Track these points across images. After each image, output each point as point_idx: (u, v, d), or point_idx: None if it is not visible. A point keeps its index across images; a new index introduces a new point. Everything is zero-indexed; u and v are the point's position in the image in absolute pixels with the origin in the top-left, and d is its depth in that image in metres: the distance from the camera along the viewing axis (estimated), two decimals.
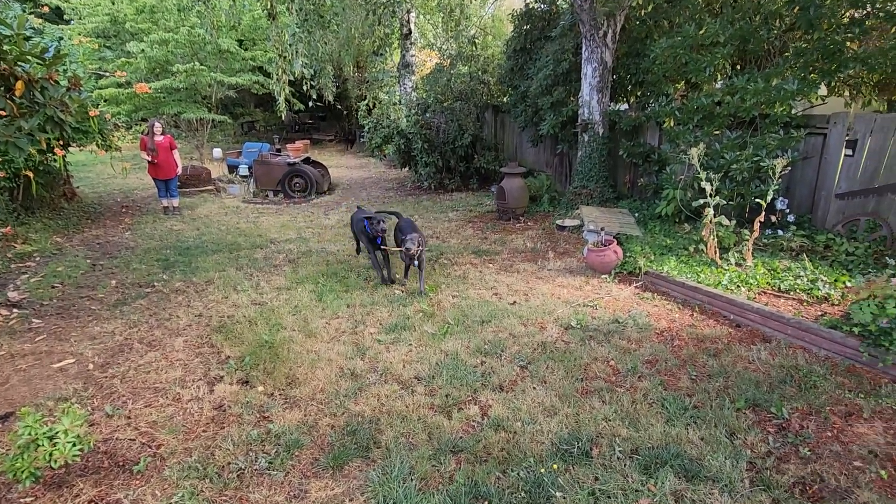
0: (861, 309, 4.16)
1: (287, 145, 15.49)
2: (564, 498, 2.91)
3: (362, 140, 16.33)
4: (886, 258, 5.66)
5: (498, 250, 8.09)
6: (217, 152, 16.48)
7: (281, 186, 12.28)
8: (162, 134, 10.01)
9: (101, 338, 5.08)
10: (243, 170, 13.06)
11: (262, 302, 5.98)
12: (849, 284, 5.22)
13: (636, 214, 8.51)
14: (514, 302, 5.94)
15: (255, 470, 3.24)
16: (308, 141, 18.65)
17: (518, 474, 3.12)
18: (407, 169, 14.07)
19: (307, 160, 13.13)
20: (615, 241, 6.74)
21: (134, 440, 3.50)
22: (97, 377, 4.35)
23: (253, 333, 5.07)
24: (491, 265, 7.39)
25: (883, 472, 2.97)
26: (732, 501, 2.82)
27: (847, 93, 7.70)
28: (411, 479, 3.10)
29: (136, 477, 3.20)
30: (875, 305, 4.13)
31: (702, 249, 6.39)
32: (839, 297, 5.10)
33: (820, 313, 4.84)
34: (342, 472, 3.25)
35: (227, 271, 7.04)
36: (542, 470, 3.13)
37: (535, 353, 4.67)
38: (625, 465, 3.18)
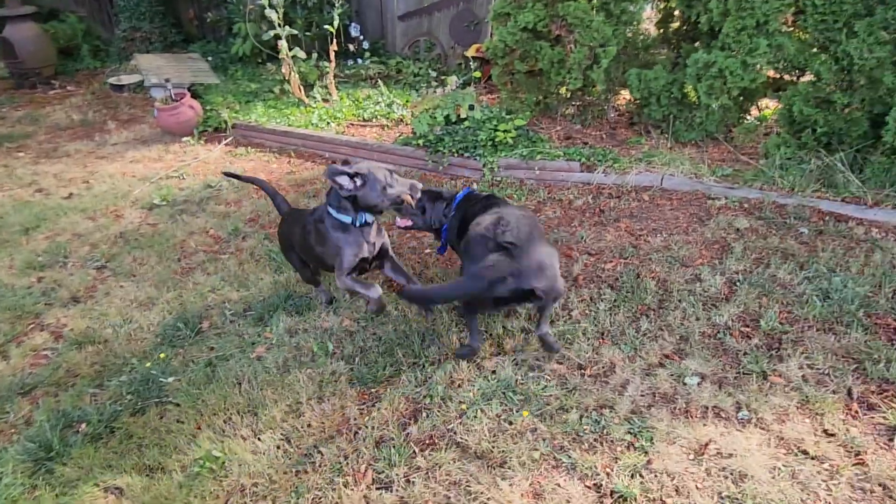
0: (420, 122, 5.49)
1: None
2: (179, 380, 3.16)
3: None
4: (430, 72, 7.42)
5: (29, 131, 6.83)
6: None
7: None
8: None
9: None
10: None
11: None
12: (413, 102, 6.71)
13: (210, 59, 8.38)
14: (71, 195, 5.34)
15: None
16: None
17: (119, 381, 3.18)
18: None
19: None
20: (188, 94, 6.60)
21: None
22: None
23: None
24: (22, 154, 6.25)
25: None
26: (337, 316, 3.63)
27: None
28: None
29: None
30: (429, 117, 5.51)
31: (287, 90, 6.94)
32: (411, 117, 6.52)
33: (398, 134, 6.13)
34: None
35: None
36: (149, 365, 3.27)
37: (113, 248, 4.47)
38: (238, 326, 3.61)
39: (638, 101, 5.51)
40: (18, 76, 8.10)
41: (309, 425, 2.78)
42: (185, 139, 6.48)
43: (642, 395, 2.73)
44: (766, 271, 3.54)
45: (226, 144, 6.39)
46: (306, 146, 6.20)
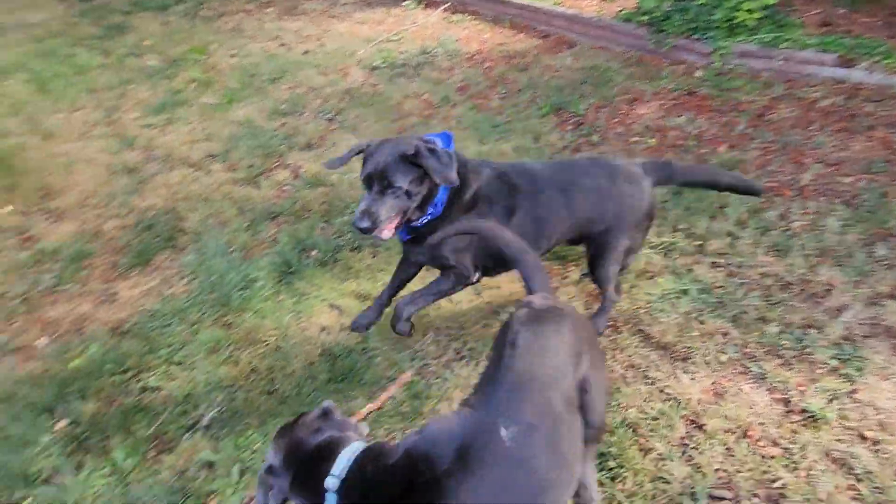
0: None
1: None
2: None
3: None
4: None
5: None
6: None
7: None
8: None
9: None
10: None
11: None
12: None
13: None
14: (307, 51, 5.88)
15: (42, 290, 3.32)
16: None
17: (342, 220, 3.66)
18: None
19: None
20: None
21: None
22: None
23: None
24: (270, 9, 6.95)
25: (652, 140, 4.07)
26: None
27: None
28: (232, 252, 3.47)
29: None
30: None
31: None
32: None
33: (619, 9, 5.66)
34: (150, 266, 3.49)
35: None
36: None
37: (341, 103, 4.93)
38: None
39: None
40: None
41: (498, 287, 3.00)
42: (405, 3, 6.67)
43: (860, 324, 2.48)
44: None
45: (443, 10, 6.45)
46: (522, 16, 6.02)
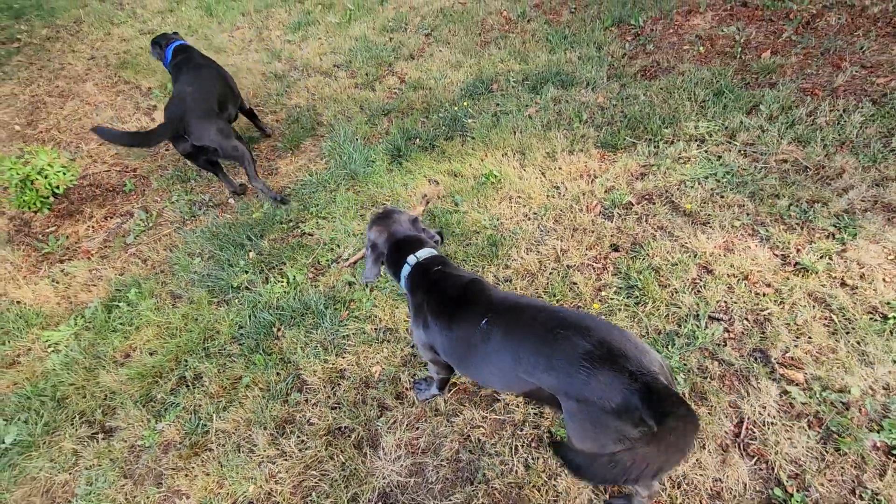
0: None
1: None
2: (475, 122, 3.63)
3: None
4: None
5: None
6: None
7: None
8: None
9: (6, 101, 4.73)
10: None
11: (149, 30, 5.43)
12: None
13: None
14: None
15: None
16: None
17: (437, 116, 3.76)
18: None
19: None
20: None
21: (109, 171, 3.81)
22: (31, 135, 4.30)
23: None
24: None
25: (701, 48, 3.78)
26: (594, 93, 3.62)
27: None
28: (357, 140, 3.70)
29: (130, 195, 3.65)
30: None
31: None
32: None
33: None
34: (299, 150, 3.80)
35: (90, 5, 6.04)
36: (456, 108, 3.77)
37: (436, 21, 4.81)
38: (518, 90, 3.84)
39: None
40: None
41: (560, 168, 3.07)
42: None
43: (863, 201, 2.40)
44: None
45: None
46: None
